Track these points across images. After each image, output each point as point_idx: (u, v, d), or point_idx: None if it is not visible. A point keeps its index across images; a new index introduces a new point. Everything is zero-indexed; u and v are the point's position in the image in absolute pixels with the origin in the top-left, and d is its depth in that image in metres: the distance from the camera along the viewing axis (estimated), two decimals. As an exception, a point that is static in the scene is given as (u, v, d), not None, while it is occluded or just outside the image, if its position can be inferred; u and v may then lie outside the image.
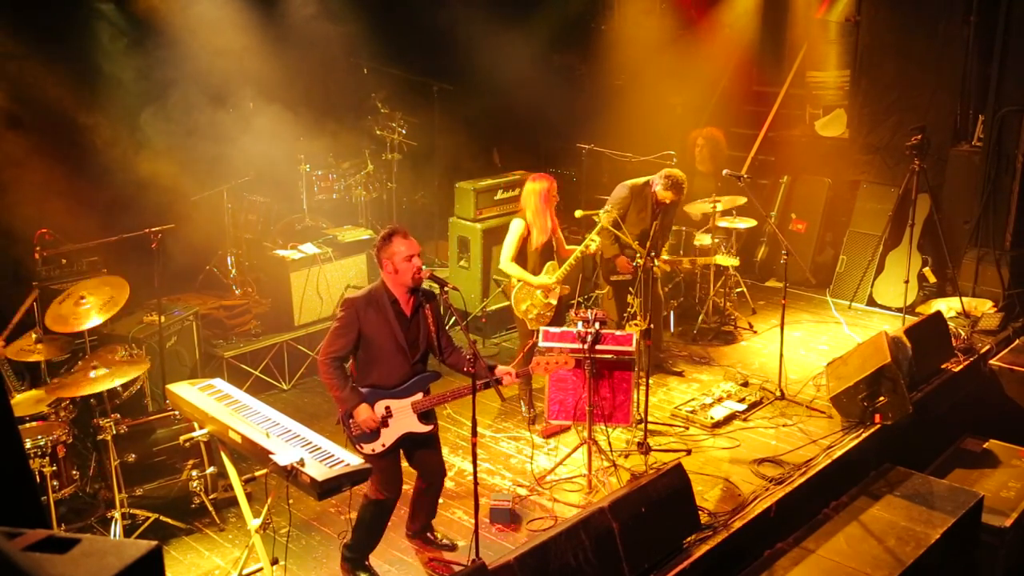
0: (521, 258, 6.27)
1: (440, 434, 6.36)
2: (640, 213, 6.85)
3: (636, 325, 7.59)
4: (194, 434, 5.16)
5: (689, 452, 6.06)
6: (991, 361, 7.49)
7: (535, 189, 6.24)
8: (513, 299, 6.31)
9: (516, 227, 6.25)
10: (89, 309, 5.44)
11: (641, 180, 6.93)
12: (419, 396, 4.72)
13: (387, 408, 4.66)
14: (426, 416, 4.76)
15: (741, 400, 6.73)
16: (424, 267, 4.66)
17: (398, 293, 4.65)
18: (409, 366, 4.69)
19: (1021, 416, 7.20)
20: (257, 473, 4.35)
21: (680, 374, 7.30)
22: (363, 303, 4.61)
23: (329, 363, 4.60)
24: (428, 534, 5.17)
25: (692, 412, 6.57)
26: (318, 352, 4.70)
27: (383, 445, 4.68)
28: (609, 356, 5.72)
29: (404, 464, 4.92)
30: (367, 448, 4.66)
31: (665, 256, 7.12)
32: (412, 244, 4.60)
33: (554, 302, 6.30)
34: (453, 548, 5.11)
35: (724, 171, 7.42)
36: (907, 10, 8.88)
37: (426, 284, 4.76)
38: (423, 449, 4.90)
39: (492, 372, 4.71)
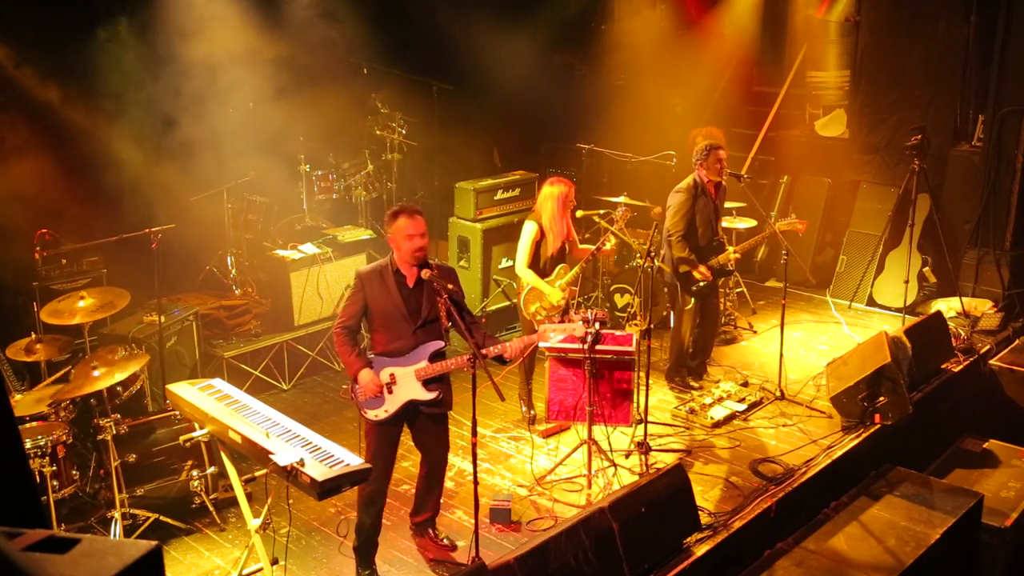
0: (534, 261, 6.24)
1: (441, 434, 6.40)
2: (705, 213, 6.68)
3: (636, 325, 7.61)
4: (194, 434, 5.16)
5: (689, 452, 6.06)
6: (991, 361, 7.49)
7: (553, 193, 6.17)
8: (522, 300, 6.30)
9: (529, 231, 6.19)
10: (85, 307, 5.47)
11: (688, 179, 6.71)
12: (423, 364, 4.79)
13: (392, 375, 4.78)
14: (430, 384, 4.81)
15: (741, 400, 6.73)
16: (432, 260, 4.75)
17: (403, 267, 4.82)
18: (412, 334, 4.80)
19: (1021, 416, 7.19)
20: (257, 473, 4.35)
21: (700, 388, 7.04)
22: (368, 274, 4.87)
23: (340, 331, 4.87)
24: (430, 530, 5.18)
25: (692, 412, 6.57)
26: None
27: (386, 411, 4.80)
28: (609, 356, 5.72)
29: (405, 464, 4.92)
30: (371, 414, 4.80)
31: (732, 248, 6.88)
32: (416, 224, 4.75)
33: (562, 304, 6.30)
34: (453, 548, 5.11)
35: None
36: (907, 10, 8.88)
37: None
38: (428, 429, 4.97)
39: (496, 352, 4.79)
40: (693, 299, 6.82)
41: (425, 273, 4.67)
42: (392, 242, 4.82)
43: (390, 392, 4.78)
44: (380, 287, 4.82)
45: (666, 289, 7.02)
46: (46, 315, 5.50)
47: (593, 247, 6.30)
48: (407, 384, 4.78)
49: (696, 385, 7.04)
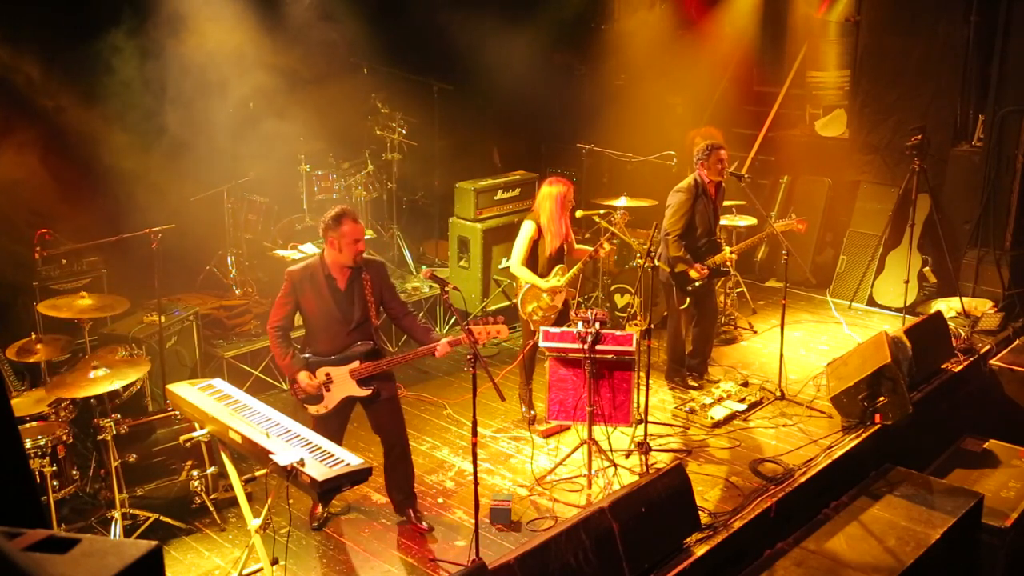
0: (532, 261, 6.24)
1: (440, 434, 6.46)
2: (704, 213, 6.69)
3: (636, 325, 7.61)
4: (194, 434, 5.15)
5: (689, 452, 6.06)
6: (991, 361, 7.49)
7: (551, 193, 6.17)
8: (520, 300, 6.30)
9: (527, 229, 6.20)
10: (84, 305, 5.48)
11: (688, 179, 6.72)
12: (356, 364, 5.00)
13: (327, 375, 4.98)
14: (366, 381, 5.01)
15: (741, 400, 6.73)
16: (424, 267, 4.79)
17: (335, 269, 4.98)
18: (346, 335, 5.01)
19: (1021, 416, 7.19)
20: (257, 473, 4.35)
21: (699, 388, 7.04)
22: (299, 276, 4.98)
23: (273, 332, 5.02)
24: (410, 510, 5.30)
25: (692, 412, 6.57)
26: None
27: (326, 407, 5.05)
28: (609, 356, 5.71)
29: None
30: (312, 410, 5.03)
31: (728, 249, 6.86)
32: (360, 228, 4.94)
33: (559, 304, 6.30)
34: (429, 530, 5.23)
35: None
36: (907, 10, 8.88)
37: (426, 284, 4.84)
38: (379, 416, 5.18)
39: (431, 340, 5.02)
40: (688, 299, 6.82)
41: (426, 272, 4.76)
42: (333, 244, 4.90)
43: (327, 390, 5.00)
44: (312, 291, 4.95)
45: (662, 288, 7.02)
46: (44, 308, 5.53)
47: (591, 248, 6.30)
48: (342, 383, 5.01)
49: (696, 384, 7.04)
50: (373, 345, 5.08)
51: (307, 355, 5.02)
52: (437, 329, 7.96)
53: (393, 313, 5.21)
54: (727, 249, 6.85)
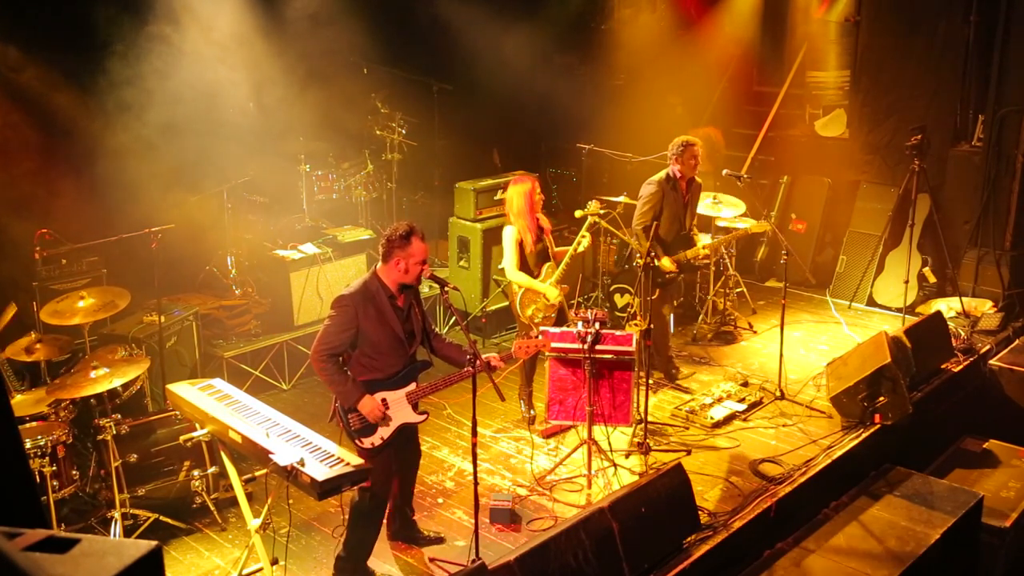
0: (522, 263, 6.25)
1: (440, 434, 6.44)
2: (674, 207, 6.75)
3: (636, 325, 7.60)
4: (194, 434, 5.16)
5: (689, 452, 6.06)
6: (991, 361, 7.49)
7: (519, 191, 6.25)
8: (518, 303, 6.30)
9: (510, 234, 6.23)
10: (85, 307, 5.48)
11: (662, 173, 6.79)
12: (412, 386, 4.71)
13: (383, 400, 4.64)
14: (418, 405, 4.79)
15: (741, 400, 6.73)
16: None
17: (393, 288, 4.64)
18: (407, 357, 4.72)
19: (1021, 416, 7.19)
20: (257, 473, 4.36)
21: (688, 390, 7.04)
22: (360, 299, 4.57)
23: (326, 359, 4.54)
24: (416, 534, 5.18)
25: (692, 412, 6.57)
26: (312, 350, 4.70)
27: (382, 438, 4.66)
28: (609, 356, 5.72)
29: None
30: (366, 442, 4.64)
31: (701, 243, 6.89)
32: (426, 247, 4.62)
33: (558, 301, 6.30)
34: (441, 540, 5.14)
35: (724, 171, 7.42)
36: (907, 10, 8.87)
37: (426, 284, 4.79)
38: (405, 438, 4.91)
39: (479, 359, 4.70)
40: (658, 290, 6.83)
41: (427, 272, 4.65)
42: (398, 263, 4.56)
43: (384, 420, 4.68)
44: (376, 314, 4.57)
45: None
46: (46, 315, 5.51)
47: (569, 248, 6.31)
48: (399, 408, 4.70)
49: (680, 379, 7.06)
50: (429, 365, 4.80)
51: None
52: (437, 329, 7.96)
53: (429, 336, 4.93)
54: (700, 244, 6.87)
